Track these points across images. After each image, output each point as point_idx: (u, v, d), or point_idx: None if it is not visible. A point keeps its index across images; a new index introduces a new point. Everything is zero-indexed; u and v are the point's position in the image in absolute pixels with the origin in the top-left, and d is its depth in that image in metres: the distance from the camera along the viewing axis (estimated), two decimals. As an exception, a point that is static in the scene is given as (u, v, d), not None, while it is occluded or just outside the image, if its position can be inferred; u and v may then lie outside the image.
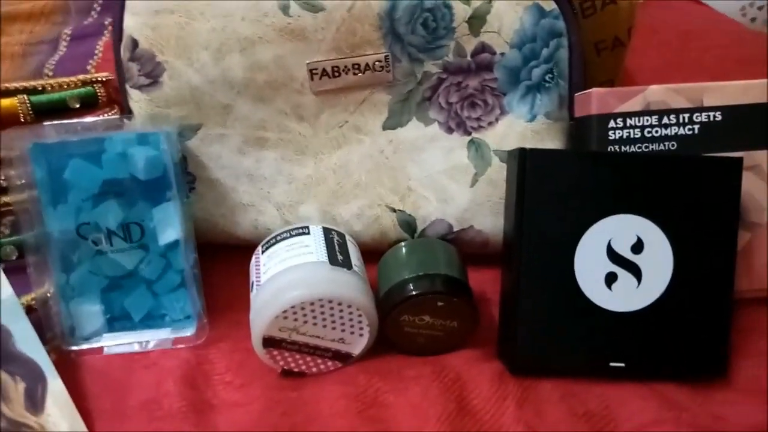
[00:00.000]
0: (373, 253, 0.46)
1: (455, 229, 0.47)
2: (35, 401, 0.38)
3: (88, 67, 0.64)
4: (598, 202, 0.39)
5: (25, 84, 0.51)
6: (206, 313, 0.45)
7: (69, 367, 0.42)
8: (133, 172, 0.43)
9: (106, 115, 0.51)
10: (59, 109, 0.51)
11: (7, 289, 0.42)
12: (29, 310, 0.43)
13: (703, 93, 0.43)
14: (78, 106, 0.52)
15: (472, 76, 0.45)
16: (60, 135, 0.43)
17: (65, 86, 0.52)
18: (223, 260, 0.49)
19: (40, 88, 0.52)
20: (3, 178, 0.48)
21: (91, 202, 0.43)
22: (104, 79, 0.53)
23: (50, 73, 0.63)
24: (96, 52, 0.65)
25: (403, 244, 0.45)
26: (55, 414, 0.38)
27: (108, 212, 0.44)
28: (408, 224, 0.47)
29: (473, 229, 0.47)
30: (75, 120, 0.44)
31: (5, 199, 0.48)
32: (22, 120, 0.50)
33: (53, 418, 0.38)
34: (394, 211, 0.47)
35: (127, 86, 0.46)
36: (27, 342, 0.40)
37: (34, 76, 0.62)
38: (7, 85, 0.51)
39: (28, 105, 0.50)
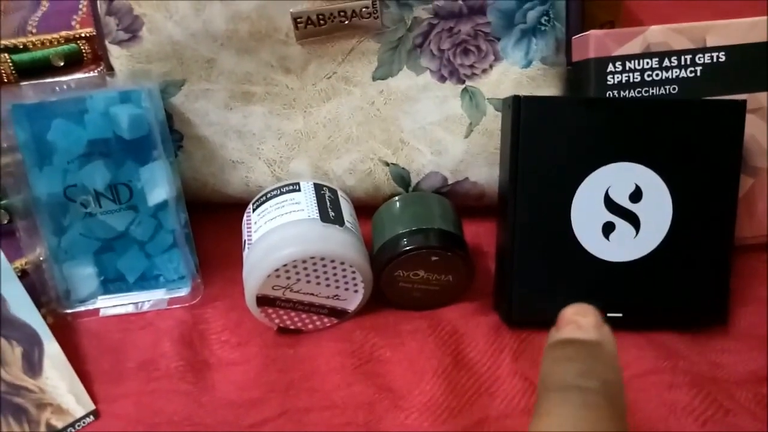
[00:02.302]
0: (367, 208, 0.45)
1: (450, 182, 0.46)
2: (33, 364, 0.38)
3: (73, 23, 0.61)
4: (595, 149, 0.38)
5: (5, 42, 0.49)
6: (201, 273, 0.44)
7: (66, 330, 0.42)
8: (117, 131, 0.42)
9: (90, 73, 0.50)
10: (43, 68, 0.49)
11: (-2, 254, 0.43)
12: (23, 274, 0.43)
13: (707, 32, 0.41)
14: (62, 64, 0.50)
15: (465, 20, 0.43)
16: (39, 95, 0.42)
17: (48, 44, 0.50)
18: (216, 219, 0.48)
19: (21, 47, 0.50)
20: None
21: (77, 164, 0.42)
22: (88, 35, 0.50)
23: (34, 31, 0.61)
24: (80, 6, 0.62)
25: (396, 198, 0.44)
26: (54, 376, 0.38)
27: (95, 173, 0.43)
28: (402, 178, 0.46)
29: (468, 181, 0.46)
30: (54, 79, 0.43)
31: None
32: (5, 80, 0.48)
33: (52, 380, 0.38)
34: (388, 164, 0.46)
35: (107, 42, 0.45)
36: (21, 306, 0.40)
37: (17, 33, 0.60)
38: (-13, 44, 0.49)
39: (11, 64, 0.48)
